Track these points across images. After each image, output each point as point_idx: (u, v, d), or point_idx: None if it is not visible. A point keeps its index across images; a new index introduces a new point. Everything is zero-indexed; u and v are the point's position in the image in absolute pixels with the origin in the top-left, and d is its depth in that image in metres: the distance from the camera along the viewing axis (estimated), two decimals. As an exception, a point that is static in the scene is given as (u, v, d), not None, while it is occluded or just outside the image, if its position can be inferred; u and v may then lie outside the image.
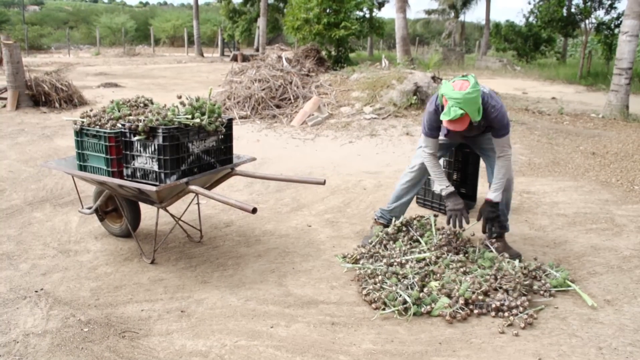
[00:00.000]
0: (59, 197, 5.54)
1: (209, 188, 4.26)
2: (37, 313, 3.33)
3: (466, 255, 4.07)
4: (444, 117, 3.64)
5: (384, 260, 3.78)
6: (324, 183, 3.95)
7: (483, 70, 25.28)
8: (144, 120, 3.58)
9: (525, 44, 28.11)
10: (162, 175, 3.62)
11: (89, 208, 4.40)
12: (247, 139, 8.18)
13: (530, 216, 5.20)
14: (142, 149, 3.66)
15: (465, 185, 5.45)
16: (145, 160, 3.68)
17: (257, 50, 29.82)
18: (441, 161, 5.00)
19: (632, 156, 7.47)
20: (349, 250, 4.26)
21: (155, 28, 42.93)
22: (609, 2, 21.35)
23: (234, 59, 26.33)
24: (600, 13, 22.46)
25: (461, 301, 3.34)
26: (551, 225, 4.99)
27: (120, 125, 3.76)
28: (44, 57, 27.95)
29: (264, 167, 6.79)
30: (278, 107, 9.35)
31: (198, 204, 4.58)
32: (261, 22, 24.57)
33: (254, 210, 3.28)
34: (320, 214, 5.17)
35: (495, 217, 4.05)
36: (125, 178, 3.78)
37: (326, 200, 5.55)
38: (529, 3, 24.98)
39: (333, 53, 19.93)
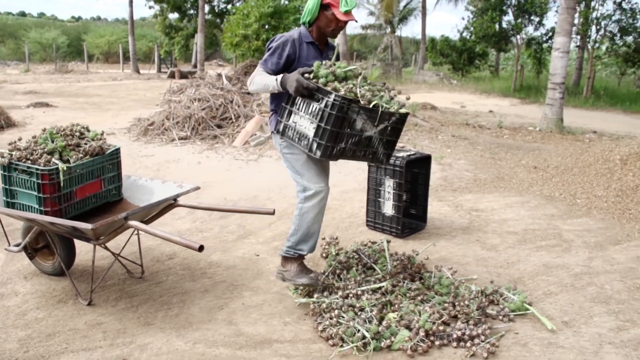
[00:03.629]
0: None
1: (149, 221, 3.98)
2: (-43, 371, 2.98)
3: (422, 281, 3.95)
4: (343, 8, 3.37)
5: (339, 293, 3.60)
6: (273, 213, 3.75)
7: (421, 84, 25.70)
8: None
9: (460, 58, 28.82)
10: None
11: (17, 245, 4.03)
12: (187, 161, 7.87)
13: (481, 235, 5.15)
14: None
15: (415, 206, 5.37)
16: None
17: (195, 66, 29.34)
18: (390, 182, 4.89)
19: (571, 169, 7.60)
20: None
21: (89, 44, 41.63)
22: (538, 19, 22.15)
23: (172, 75, 25.79)
24: (530, 29, 23.23)
25: (422, 333, 3.19)
26: (502, 244, 4.95)
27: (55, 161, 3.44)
28: (-32, 76, 26.61)
29: (207, 191, 6.51)
30: (219, 127, 9.09)
31: (138, 235, 4.27)
32: (199, 38, 24.14)
33: (201, 248, 3.05)
34: (268, 242, 4.95)
35: None
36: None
37: (273, 226, 5.34)
38: (463, 19, 25.72)
39: (273, 69, 19.79)
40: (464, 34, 27.02)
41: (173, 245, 4.88)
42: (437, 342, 3.22)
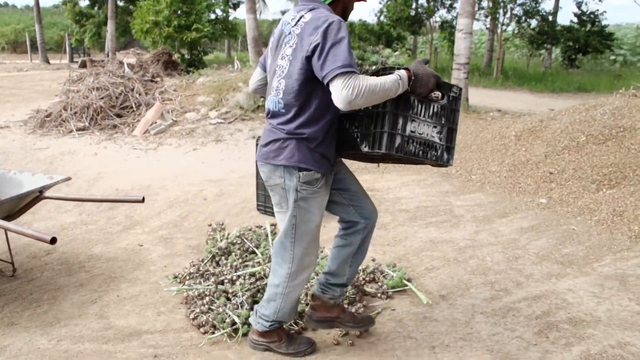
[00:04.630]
0: None
1: (15, 216, 3.77)
2: None
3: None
4: None
5: (213, 279, 3.54)
6: (142, 201, 3.61)
7: (339, 69, 25.76)
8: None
9: (378, 42, 29.09)
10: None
11: None
12: (84, 152, 7.56)
13: (372, 215, 5.19)
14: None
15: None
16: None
17: (108, 55, 28.32)
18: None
19: (470, 147, 7.81)
20: (181, 270, 3.96)
21: (-6, 32, 39.43)
22: (449, 2, 22.67)
23: (83, 65, 24.75)
24: (443, 12, 23.78)
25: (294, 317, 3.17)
26: (393, 222, 5.01)
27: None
28: None
29: (100, 182, 6.28)
30: (119, 116, 8.78)
31: (5, 231, 4.04)
32: (109, 26, 23.30)
33: (53, 241, 2.88)
34: (155, 231, 4.81)
35: None
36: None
37: (162, 214, 5.20)
38: (380, 2, 25.93)
39: (187, 56, 19.35)
40: (381, 18, 27.30)
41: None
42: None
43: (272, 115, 2.63)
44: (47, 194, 3.69)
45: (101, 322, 3.34)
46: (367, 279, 3.74)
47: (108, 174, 6.56)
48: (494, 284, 3.80)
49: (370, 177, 6.47)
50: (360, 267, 3.81)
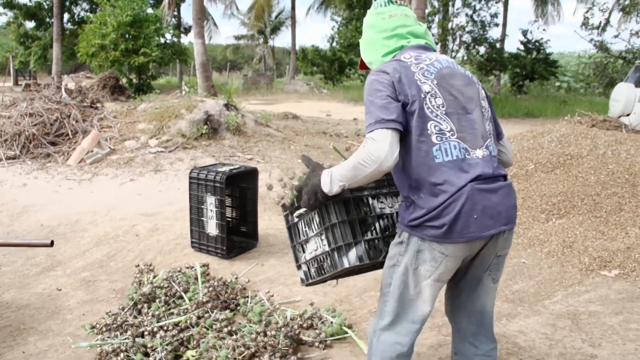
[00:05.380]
0: None
1: None
2: None
3: (237, 308, 3.61)
4: None
5: (130, 331, 3.17)
6: (51, 245, 3.22)
7: (292, 94, 25.69)
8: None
9: (330, 68, 29.20)
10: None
11: None
12: (11, 183, 7.05)
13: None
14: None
15: (245, 223, 5.05)
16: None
17: (54, 78, 27.49)
18: (212, 199, 4.53)
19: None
20: (100, 318, 3.57)
21: None
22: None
23: (27, 88, 23.94)
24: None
25: (218, 373, 2.84)
26: (336, 258, 4.73)
27: None
28: None
29: (25, 217, 5.82)
30: (54, 144, 8.29)
31: None
32: (55, 49, 22.64)
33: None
34: (77, 273, 4.40)
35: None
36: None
37: (88, 253, 4.79)
38: (332, 28, 26.04)
39: (135, 81, 18.90)
40: (334, 44, 27.43)
41: (-39, 284, 4.22)
42: (238, 381, 2.88)
43: (497, 166, 2.14)
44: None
45: (0, 385, 2.94)
46: (305, 325, 3.43)
47: (35, 208, 6.10)
48: (441, 328, 3.55)
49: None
50: (297, 313, 3.53)
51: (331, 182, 2.09)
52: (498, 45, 21.87)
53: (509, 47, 21.46)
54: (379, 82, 2.05)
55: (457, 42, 20.86)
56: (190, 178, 4.65)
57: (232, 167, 4.72)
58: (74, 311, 3.74)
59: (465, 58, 22.17)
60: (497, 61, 21.20)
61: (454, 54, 21.31)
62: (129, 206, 6.12)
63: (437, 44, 21.74)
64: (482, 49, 21.14)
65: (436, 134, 2.01)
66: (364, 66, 2.43)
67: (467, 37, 20.77)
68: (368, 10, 2.38)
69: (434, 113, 2.03)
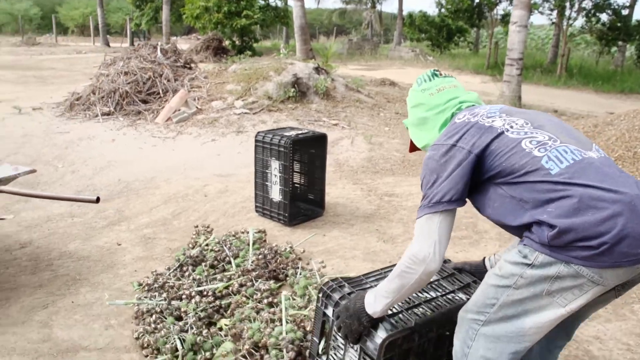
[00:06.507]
0: None
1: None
2: None
3: (287, 278, 3.46)
4: None
5: (165, 294, 3.12)
6: (96, 201, 3.21)
7: (396, 60, 25.09)
8: None
9: (438, 35, 28.15)
10: None
11: None
12: (101, 138, 7.32)
13: (383, 224, 4.64)
14: None
15: (313, 190, 4.88)
16: None
17: (167, 39, 28.48)
18: (276, 164, 4.39)
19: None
20: (145, 276, 3.55)
21: (64, 16, 40.40)
22: (512, -7, 21.52)
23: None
24: (506, 4, 22.59)
25: (247, 346, 2.71)
26: (404, 234, 4.45)
27: None
28: None
29: (107, 171, 6.00)
30: (145, 102, 8.51)
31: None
32: (164, 11, 23.35)
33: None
34: (140, 229, 4.45)
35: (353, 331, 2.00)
36: None
37: (154, 210, 4.84)
38: (440, -7, 24.96)
39: (237, 43, 19.16)
40: (442, 10, 26.35)
41: (33, 231, 4.39)
42: (267, 356, 2.73)
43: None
44: (1, 187, 3.35)
45: (42, 332, 2.98)
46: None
47: (117, 163, 6.27)
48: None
49: (393, 179, 5.91)
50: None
51: (375, 300, 1.89)
52: (625, 12, 19.93)
53: (638, 14, 19.48)
54: (443, 153, 1.81)
55: (576, 8, 19.19)
56: (256, 141, 4.53)
57: (299, 132, 4.54)
58: (128, 267, 3.77)
59: (584, 27, 20.48)
60: (621, 30, 19.36)
61: (571, 21, 19.70)
62: (206, 166, 6.15)
63: (552, 10, 20.29)
64: (604, 16, 19.38)
65: (536, 147, 1.71)
66: (414, 148, 2.20)
67: (587, 3, 19.06)
68: (410, 90, 2.13)
69: (522, 132, 1.76)
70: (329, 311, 2.18)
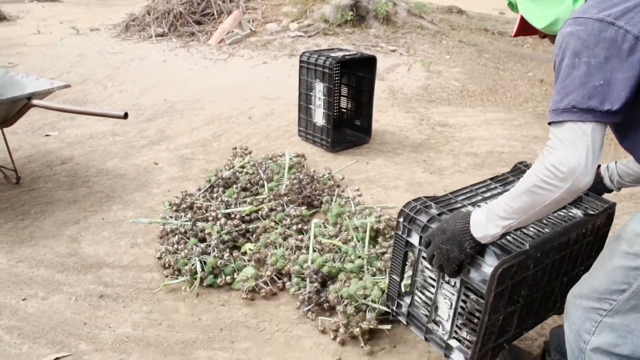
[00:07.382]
0: None
1: (11, 121, 3.42)
2: None
3: (322, 205, 3.29)
4: None
5: (190, 215, 3.01)
6: (124, 117, 3.08)
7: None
8: None
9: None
10: None
11: None
12: (153, 59, 7.22)
13: (432, 155, 4.37)
14: None
15: (360, 116, 4.63)
16: None
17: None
18: (320, 86, 4.16)
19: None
20: (174, 196, 3.46)
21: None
22: None
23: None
24: None
25: (269, 272, 2.58)
26: (452, 167, 4.18)
27: None
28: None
29: (154, 90, 5.91)
30: (199, 23, 8.33)
31: (4, 137, 3.72)
32: None
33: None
34: (179, 149, 4.35)
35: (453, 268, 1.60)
36: None
37: (196, 131, 4.72)
38: None
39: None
40: None
41: (75, 148, 4.38)
42: (288, 284, 2.60)
43: None
44: (34, 101, 3.27)
45: (70, 246, 2.96)
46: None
47: (167, 83, 6.17)
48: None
49: (449, 109, 5.56)
50: (373, 222, 3.10)
51: (487, 220, 1.47)
52: None
53: None
54: (596, 32, 1.29)
55: None
56: (300, 61, 4.28)
57: (346, 53, 4.27)
58: (162, 186, 3.69)
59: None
60: None
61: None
62: (255, 88, 5.97)
63: None
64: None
65: None
66: (524, 30, 1.62)
67: None
68: None
69: None
70: (414, 239, 1.78)
